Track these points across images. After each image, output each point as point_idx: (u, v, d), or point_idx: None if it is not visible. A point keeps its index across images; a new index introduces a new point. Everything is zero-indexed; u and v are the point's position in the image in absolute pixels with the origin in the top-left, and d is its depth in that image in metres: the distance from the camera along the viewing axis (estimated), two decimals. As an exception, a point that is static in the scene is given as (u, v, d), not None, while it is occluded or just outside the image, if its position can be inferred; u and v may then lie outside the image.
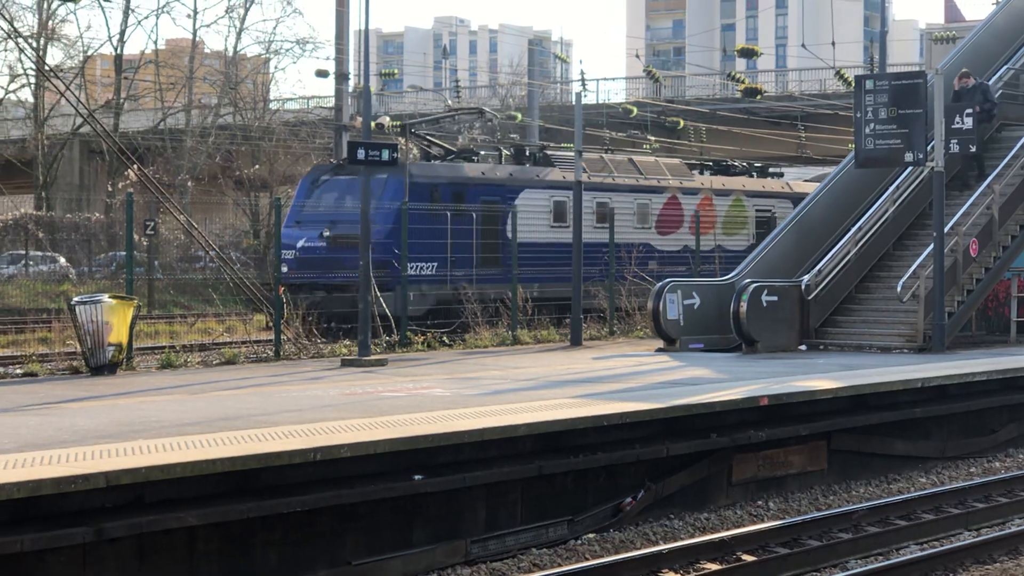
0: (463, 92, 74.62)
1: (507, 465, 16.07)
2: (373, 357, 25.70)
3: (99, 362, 23.16)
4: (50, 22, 58.82)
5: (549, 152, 39.39)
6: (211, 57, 70.75)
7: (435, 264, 33.36)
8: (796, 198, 41.02)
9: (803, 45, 47.17)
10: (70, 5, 53.22)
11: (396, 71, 79.37)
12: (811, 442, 19.87)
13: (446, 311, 33.27)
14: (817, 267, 28.69)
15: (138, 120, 63.95)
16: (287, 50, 73.87)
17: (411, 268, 31.81)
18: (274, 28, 75.71)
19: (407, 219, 30.36)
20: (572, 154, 35.87)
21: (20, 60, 58.20)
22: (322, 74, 57.96)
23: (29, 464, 13.04)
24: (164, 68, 63.69)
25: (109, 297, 23.50)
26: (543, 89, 68.53)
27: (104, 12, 59.78)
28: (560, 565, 14.81)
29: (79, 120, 56.74)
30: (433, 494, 15.26)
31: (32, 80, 58.69)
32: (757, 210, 42.40)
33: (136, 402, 19.11)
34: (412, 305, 30.99)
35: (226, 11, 71.88)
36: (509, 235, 33.66)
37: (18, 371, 24.08)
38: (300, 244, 33.57)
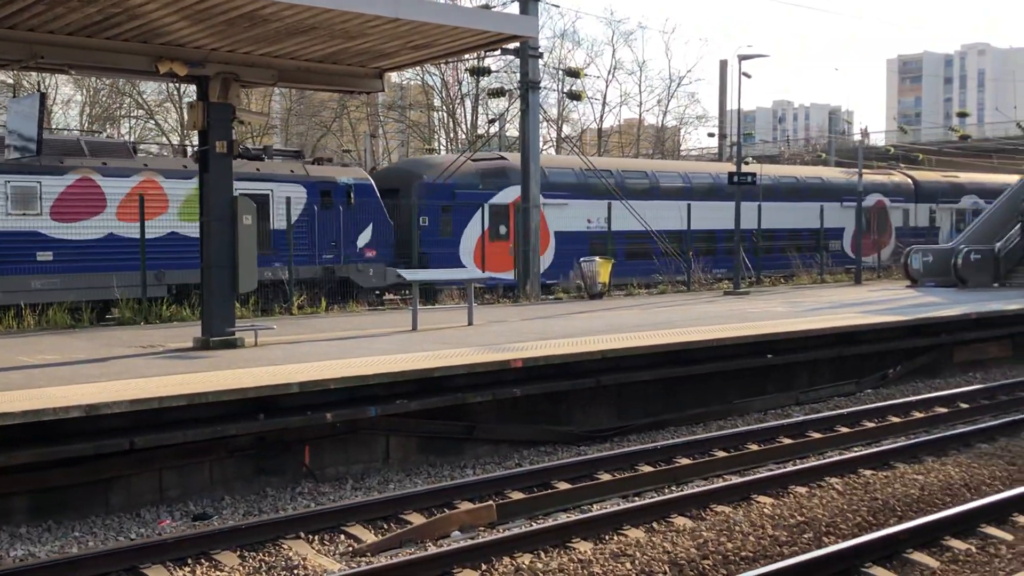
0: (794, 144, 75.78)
1: (821, 350, 16.40)
2: (741, 290, 27.00)
3: (593, 292, 25.09)
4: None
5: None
6: None
7: None
8: (312, 183, 24.66)
9: (996, 109, 47.51)
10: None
11: (752, 133, 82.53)
12: (1001, 340, 19.68)
13: None
14: (1005, 238, 28.95)
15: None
16: None
17: None
18: None
19: None
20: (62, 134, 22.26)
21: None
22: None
23: (565, 347, 14.04)
24: None
25: (599, 259, 25.31)
26: (836, 140, 69.59)
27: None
28: (851, 406, 15.22)
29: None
30: (777, 366, 15.71)
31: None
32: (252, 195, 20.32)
33: (613, 313, 20.20)
34: None
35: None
36: None
37: (550, 296, 25.62)
38: None
